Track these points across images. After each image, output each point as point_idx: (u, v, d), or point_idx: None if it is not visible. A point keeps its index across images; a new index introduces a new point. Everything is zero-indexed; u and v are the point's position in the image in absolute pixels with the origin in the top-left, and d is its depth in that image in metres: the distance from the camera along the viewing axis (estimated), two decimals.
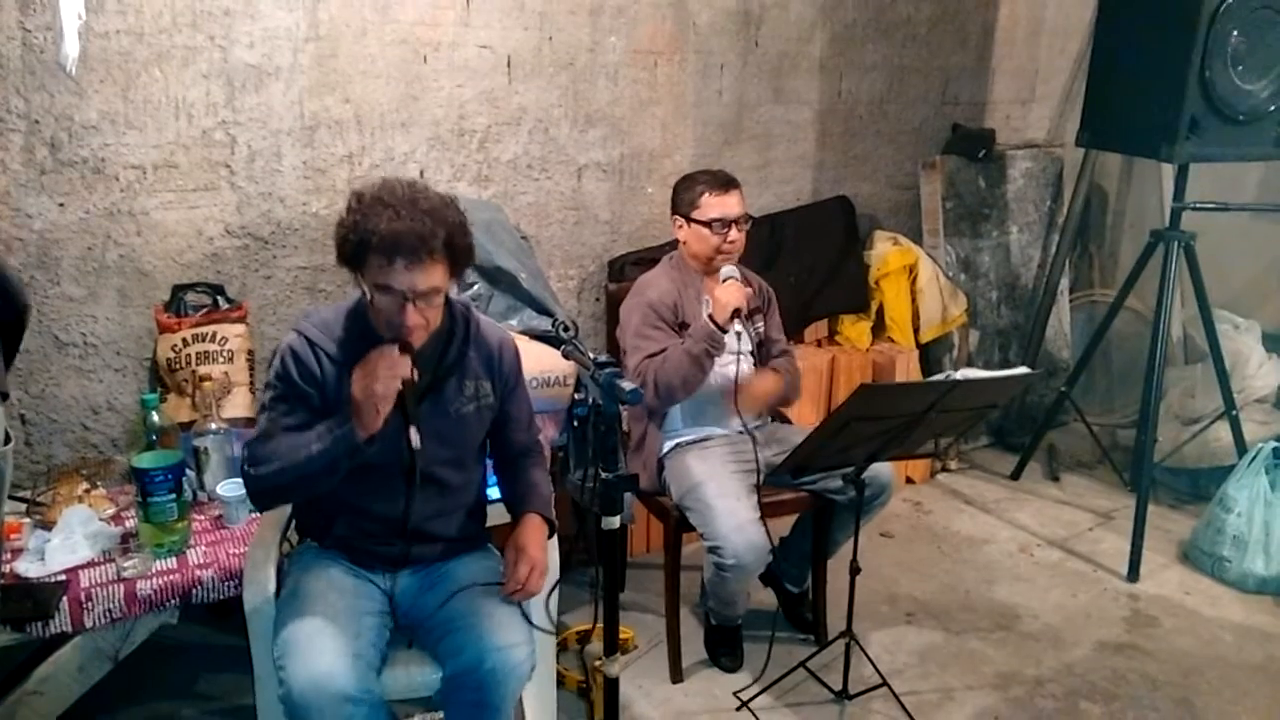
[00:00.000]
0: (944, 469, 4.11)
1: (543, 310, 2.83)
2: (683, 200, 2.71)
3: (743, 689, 2.63)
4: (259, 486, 1.90)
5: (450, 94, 3.03)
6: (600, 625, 1.74)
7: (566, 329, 1.97)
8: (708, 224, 2.65)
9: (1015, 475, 4.05)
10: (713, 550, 2.49)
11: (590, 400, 1.48)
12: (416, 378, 1.80)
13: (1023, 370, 2.52)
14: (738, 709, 2.56)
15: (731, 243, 2.67)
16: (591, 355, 1.60)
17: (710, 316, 2.54)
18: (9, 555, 2.19)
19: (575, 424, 1.51)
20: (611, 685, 1.59)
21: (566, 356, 1.74)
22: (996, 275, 4.31)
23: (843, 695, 2.58)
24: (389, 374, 1.76)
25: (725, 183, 2.69)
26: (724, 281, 2.60)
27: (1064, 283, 4.41)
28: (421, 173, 3.03)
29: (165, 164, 2.67)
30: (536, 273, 2.94)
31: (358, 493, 1.96)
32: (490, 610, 1.92)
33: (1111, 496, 3.86)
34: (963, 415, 2.45)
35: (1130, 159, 4.39)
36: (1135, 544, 3.27)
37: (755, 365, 2.74)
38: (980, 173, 4.20)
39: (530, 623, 1.93)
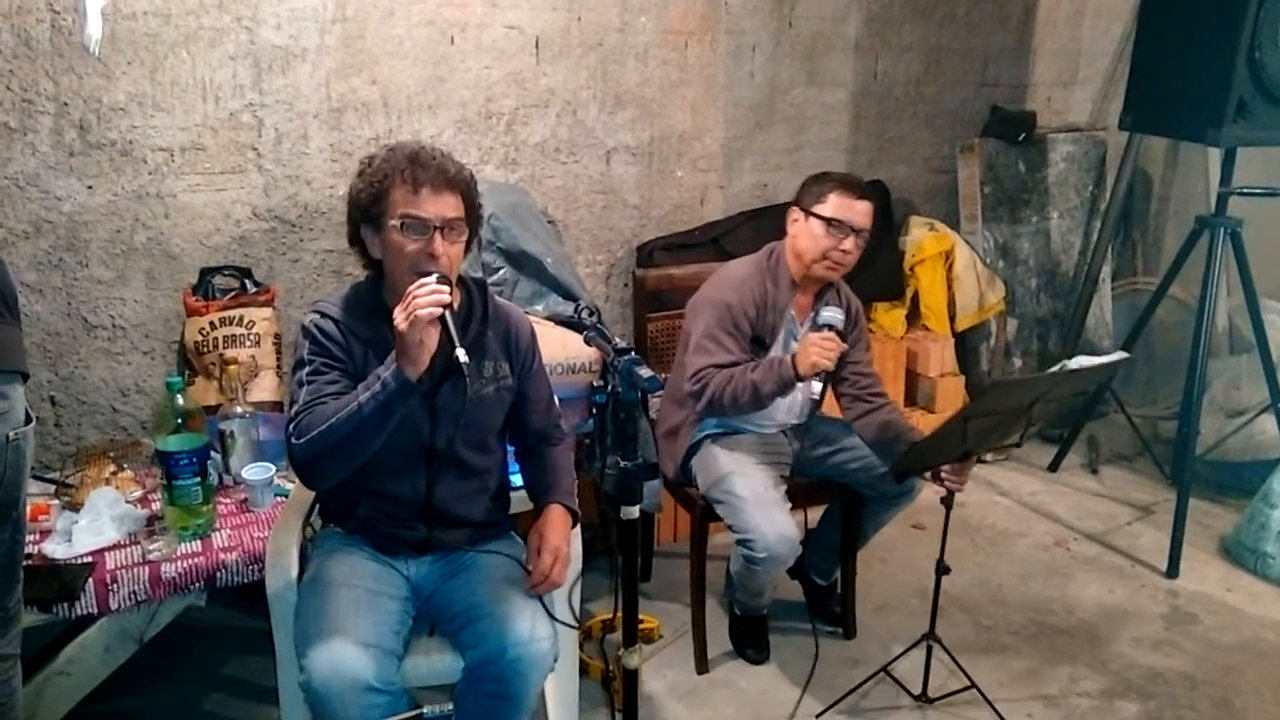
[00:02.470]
0: (980, 460, 4.02)
1: (568, 295, 2.80)
2: (809, 192, 2.55)
3: (774, 689, 2.60)
4: (307, 453, 1.83)
5: (478, 75, 3.00)
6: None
7: (591, 313, 1.93)
8: (826, 220, 2.47)
9: (1053, 467, 3.97)
10: (743, 543, 2.44)
11: (610, 387, 1.45)
12: (456, 303, 1.78)
13: (1121, 355, 2.44)
14: (819, 715, 2.50)
15: (844, 252, 2.49)
16: (614, 341, 1.56)
17: (792, 359, 2.39)
18: (37, 536, 2.20)
19: (593, 411, 1.48)
20: (630, 676, 1.57)
21: (588, 342, 1.70)
22: (1036, 262, 4.22)
23: (923, 699, 2.52)
24: (430, 299, 1.72)
25: (860, 190, 2.52)
26: (820, 328, 2.41)
27: (1106, 270, 4.30)
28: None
29: (193, 146, 2.67)
30: (562, 257, 2.90)
31: (380, 475, 1.94)
32: (513, 600, 1.90)
33: (1151, 490, 3.76)
34: (1059, 404, 2.37)
35: (1176, 143, 4.26)
36: (1175, 539, 3.18)
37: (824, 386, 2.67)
38: (1020, 156, 4.10)
39: (552, 616, 1.90)
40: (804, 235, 2.53)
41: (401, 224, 1.82)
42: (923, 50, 3.90)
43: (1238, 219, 3.27)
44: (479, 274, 2.68)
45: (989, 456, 4.04)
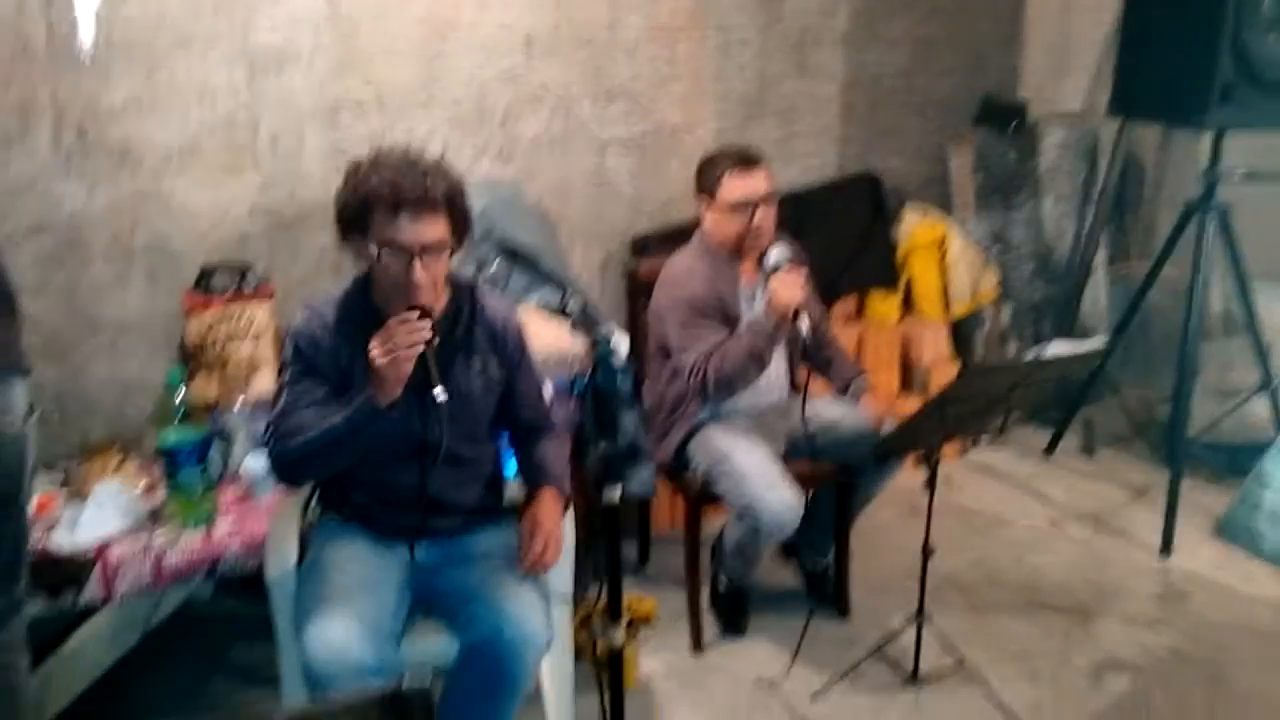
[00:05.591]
0: (974, 444, 4.06)
1: (562, 288, 2.84)
2: (703, 181, 2.60)
3: (778, 674, 2.64)
4: (284, 461, 1.94)
5: (471, 73, 3.04)
6: (626, 598, 1.75)
7: (581, 301, 1.98)
8: (730, 207, 2.54)
9: (1049, 450, 3.99)
10: (745, 514, 2.47)
11: (590, 373, 1.50)
12: (436, 341, 1.83)
13: (1099, 341, 2.49)
14: (814, 695, 2.55)
15: (758, 225, 2.54)
16: (597, 328, 1.60)
17: (768, 308, 2.43)
18: (43, 529, 2.26)
19: (576, 397, 1.53)
20: (615, 654, 1.62)
21: (573, 329, 1.75)
22: (1030, 248, 4.24)
23: (915, 677, 2.56)
24: (409, 339, 1.79)
25: (747, 160, 2.56)
26: (774, 270, 2.44)
27: (1100, 255, 4.32)
28: (444, 152, 3.03)
29: (190, 147, 2.72)
30: (555, 250, 2.95)
31: (374, 467, 2.00)
32: (508, 583, 1.95)
33: (1147, 472, 3.78)
34: (1039, 390, 2.42)
35: (1168, 129, 4.28)
36: (1168, 519, 3.21)
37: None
38: (1011, 145, 4.13)
39: (544, 597, 1.95)
40: (716, 224, 2.60)
41: (380, 250, 1.85)
42: (911, 42, 3.93)
43: (1225, 203, 3.29)
44: (472, 268, 2.73)
45: (984, 440, 4.07)
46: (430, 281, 1.87)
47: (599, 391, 1.49)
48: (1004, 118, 4.08)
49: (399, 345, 1.78)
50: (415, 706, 1.07)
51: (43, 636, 2.15)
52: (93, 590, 2.11)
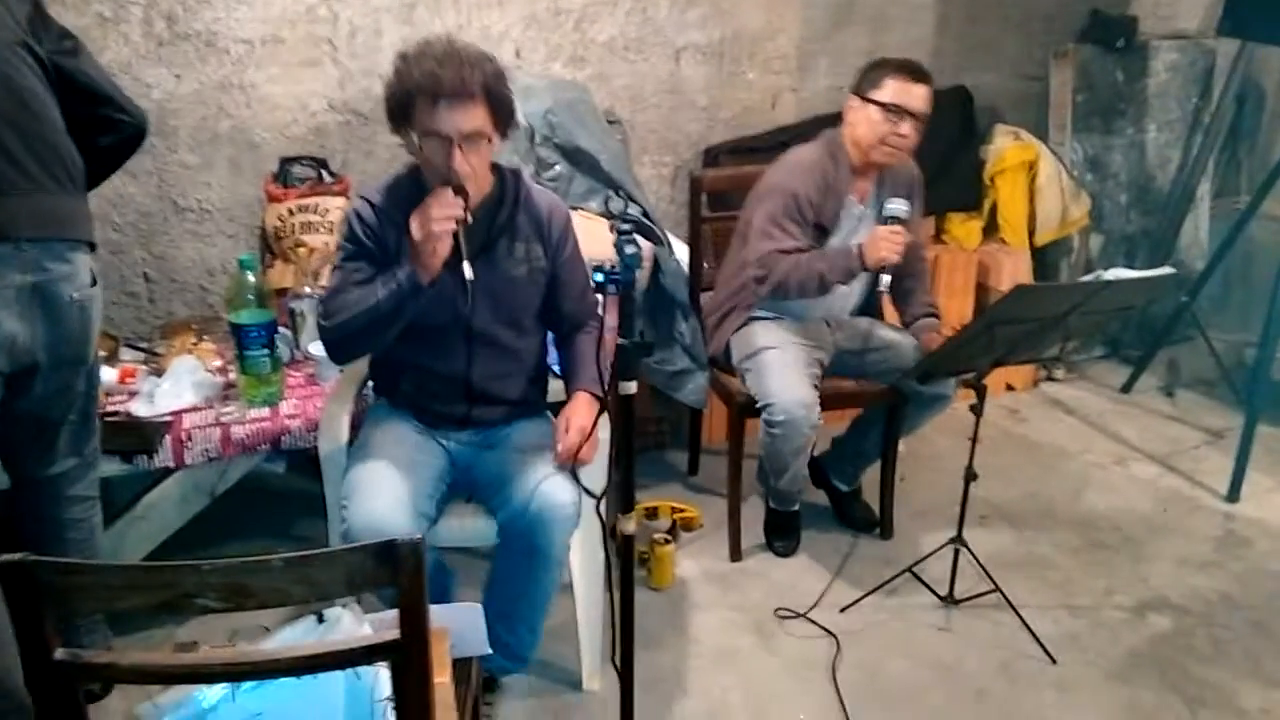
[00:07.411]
0: (1049, 378, 3.96)
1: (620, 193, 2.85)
2: (866, 78, 2.56)
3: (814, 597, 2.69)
4: (332, 336, 2.03)
5: None
6: (668, 503, 1.76)
7: (625, 201, 1.98)
8: (884, 106, 2.49)
9: (1126, 388, 3.87)
10: (763, 409, 2.52)
11: (607, 266, 1.52)
12: (470, 218, 1.89)
13: (1167, 270, 2.40)
14: (844, 608, 2.60)
15: (901, 136, 2.50)
16: (630, 225, 1.61)
17: (860, 251, 2.46)
18: (125, 397, 2.43)
19: (603, 290, 1.56)
20: (627, 541, 1.68)
21: (611, 229, 1.77)
22: (1128, 176, 4.05)
23: (949, 599, 2.58)
24: (443, 213, 1.85)
25: (916, 73, 2.52)
26: (888, 220, 2.46)
27: (1205, 187, 4.10)
28: (517, 52, 3.06)
29: (272, 38, 2.80)
30: (618, 155, 2.95)
31: (421, 352, 2.08)
32: (540, 466, 2.05)
33: (1227, 416, 3.63)
34: (1099, 318, 2.36)
35: None
36: (1239, 463, 3.10)
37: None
38: (1119, 64, 3.91)
39: (578, 481, 2.04)
40: (862, 122, 2.54)
41: (422, 140, 1.90)
42: None
43: None
44: (531, 168, 2.76)
45: (1059, 374, 3.97)
46: (471, 171, 1.91)
47: (618, 285, 1.52)
48: (1112, 34, 3.84)
49: (434, 219, 1.85)
50: (405, 554, 1.15)
51: (118, 497, 2.33)
52: (164, 456, 2.28)
